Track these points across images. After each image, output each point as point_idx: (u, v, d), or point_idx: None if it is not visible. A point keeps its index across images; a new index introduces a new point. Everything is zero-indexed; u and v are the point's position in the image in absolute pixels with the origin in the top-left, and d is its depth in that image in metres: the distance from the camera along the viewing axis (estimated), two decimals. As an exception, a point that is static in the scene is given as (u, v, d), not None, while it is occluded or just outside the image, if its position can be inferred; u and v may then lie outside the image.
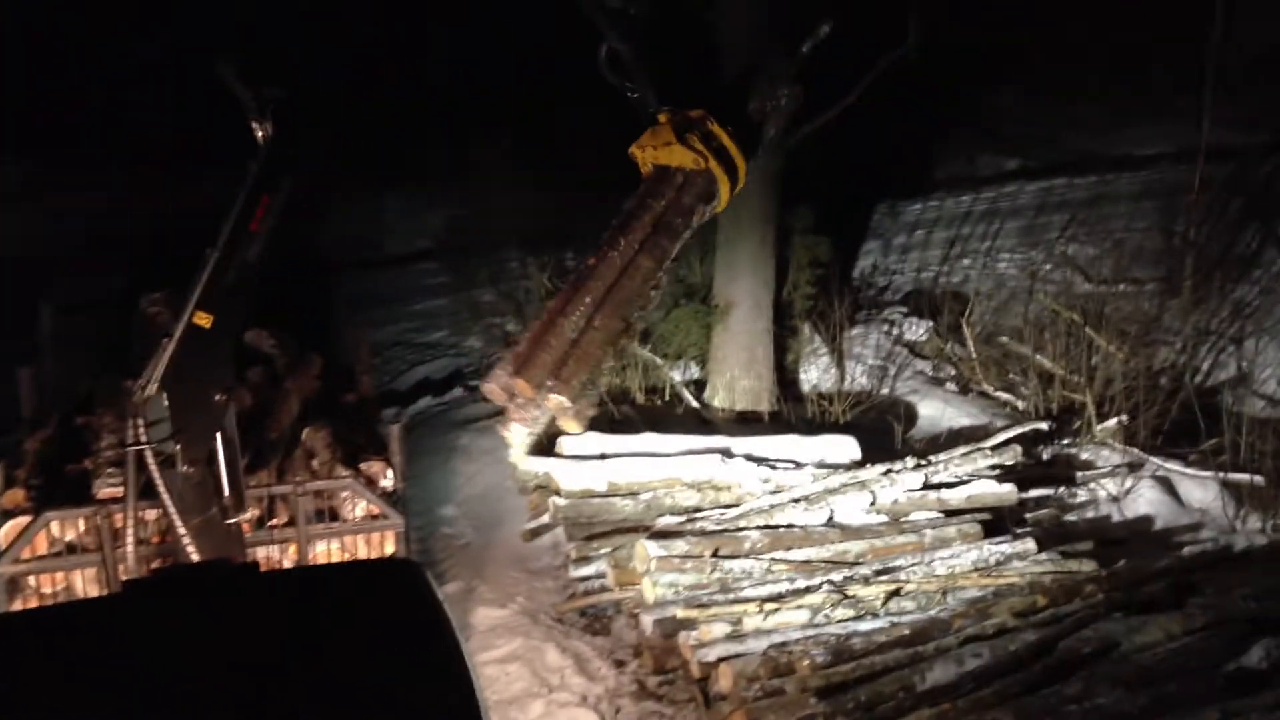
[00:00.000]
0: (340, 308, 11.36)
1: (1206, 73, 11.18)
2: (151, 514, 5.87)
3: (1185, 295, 10.98)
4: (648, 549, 6.95)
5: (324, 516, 6.68)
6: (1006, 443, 8.58)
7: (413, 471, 8.14)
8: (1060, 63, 14.67)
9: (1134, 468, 8.82)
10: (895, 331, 11.53)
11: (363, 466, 7.04)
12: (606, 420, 9.52)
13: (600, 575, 7.51)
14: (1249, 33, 13.24)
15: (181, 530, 5.40)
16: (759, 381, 9.91)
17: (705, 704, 6.39)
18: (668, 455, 8.09)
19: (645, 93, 7.21)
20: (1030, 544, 7.35)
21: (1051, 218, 13.76)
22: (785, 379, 10.51)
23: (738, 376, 9.88)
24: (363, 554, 6.71)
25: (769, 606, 6.62)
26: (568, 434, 7.81)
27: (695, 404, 10.04)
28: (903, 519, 7.76)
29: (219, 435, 5.53)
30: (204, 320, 5.33)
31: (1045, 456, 9.28)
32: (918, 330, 11.60)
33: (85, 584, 6.24)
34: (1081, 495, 8.65)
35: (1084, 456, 9.19)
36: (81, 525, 6.20)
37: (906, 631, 6.48)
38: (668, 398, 10.30)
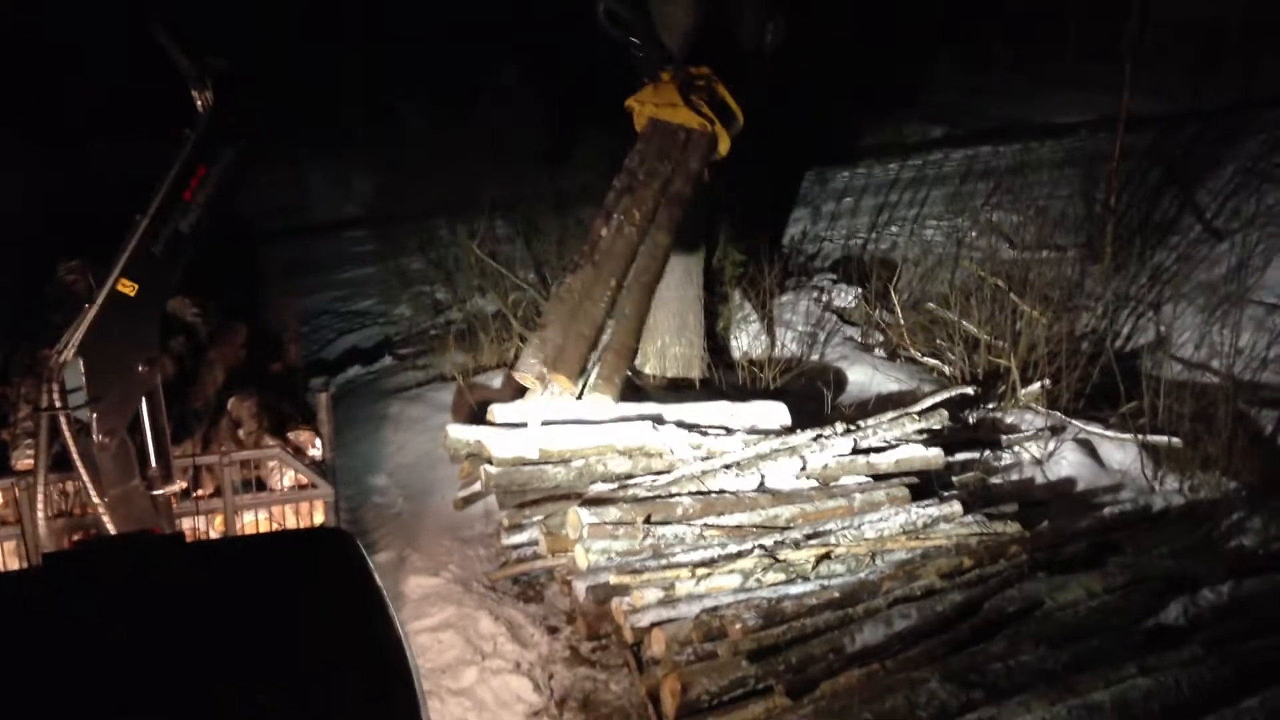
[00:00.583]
0: (266, 276, 11.19)
1: (1126, 42, 11.35)
2: (73, 485, 5.75)
3: (1106, 262, 11.19)
4: (580, 516, 6.95)
5: (251, 487, 6.58)
6: (933, 408, 8.70)
7: (342, 441, 8.06)
8: (985, 32, 14.84)
9: (1056, 431, 8.99)
10: (824, 298, 11.62)
11: (290, 436, 6.95)
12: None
13: (533, 543, 7.50)
14: (1168, 3, 13.50)
15: (96, 500, 5.29)
16: (690, 348, 9.93)
17: (638, 669, 6.43)
18: (599, 423, 8.08)
19: (650, 50, 7.05)
20: (956, 507, 7.47)
21: (977, 185, 13.95)
22: (716, 346, 10.55)
23: (669, 344, 9.88)
24: (291, 524, 6.63)
25: (701, 572, 6.67)
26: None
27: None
28: (832, 484, 7.85)
29: (145, 406, 5.41)
30: (128, 288, 5.20)
31: (971, 421, 9.43)
32: (847, 297, 11.70)
33: (5, 557, 6.10)
34: (1006, 458, 8.80)
35: (1008, 420, 9.35)
36: (0, 497, 6.06)
37: (836, 594, 6.56)
38: (599, 365, 10.29)
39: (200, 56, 5.44)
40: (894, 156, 14.99)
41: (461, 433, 7.98)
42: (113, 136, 12.02)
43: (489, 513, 8.01)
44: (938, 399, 8.93)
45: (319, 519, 6.67)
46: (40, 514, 5.51)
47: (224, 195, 5.43)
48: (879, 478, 7.96)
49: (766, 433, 8.27)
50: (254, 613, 3.25)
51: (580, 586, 6.77)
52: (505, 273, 11.38)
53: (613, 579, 6.65)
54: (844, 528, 7.22)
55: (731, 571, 6.72)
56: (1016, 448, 8.86)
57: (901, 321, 10.86)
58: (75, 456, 5.24)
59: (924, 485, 7.98)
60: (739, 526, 7.24)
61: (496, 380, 9.99)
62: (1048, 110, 15.43)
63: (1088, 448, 8.81)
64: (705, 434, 8.09)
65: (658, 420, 8.15)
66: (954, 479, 8.32)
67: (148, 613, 3.21)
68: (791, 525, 7.30)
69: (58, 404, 5.21)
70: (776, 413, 8.53)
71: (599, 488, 7.44)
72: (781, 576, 6.78)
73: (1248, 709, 5.38)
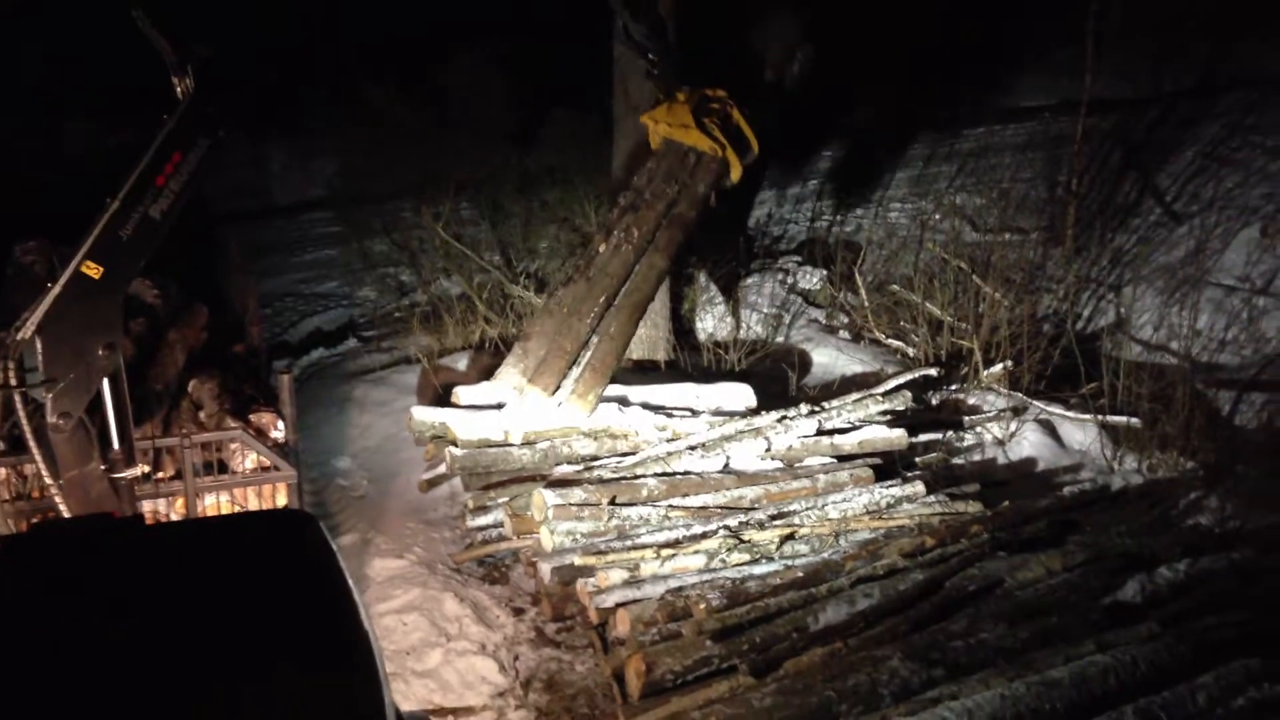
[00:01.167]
0: (228, 257, 11.08)
1: (1089, 26, 11.41)
2: (31, 468, 5.68)
3: (1068, 244, 11.28)
4: (545, 497, 6.95)
5: (213, 469, 6.53)
6: (897, 389, 8.77)
7: (306, 424, 8.01)
8: (950, 15, 14.86)
9: (1018, 411, 9.08)
10: (790, 280, 11.66)
11: (252, 418, 6.89)
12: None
13: (498, 524, 7.50)
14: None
15: (49, 482, 5.23)
16: (655, 330, 9.93)
17: (603, 649, 6.45)
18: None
19: (665, 69, 6.95)
20: (919, 487, 7.53)
21: (940, 168, 14.00)
22: (681, 328, 10.56)
23: (634, 325, 9.87)
24: (254, 507, 6.58)
25: (666, 552, 6.69)
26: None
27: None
28: (797, 464, 7.89)
29: (108, 389, 5.36)
30: (93, 270, 5.14)
31: (934, 402, 9.51)
32: (811, 279, 11.74)
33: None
34: (968, 439, 8.88)
35: (971, 401, 9.43)
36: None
37: (800, 574, 6.60)
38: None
39: (183, 43, 5.39)
40: (859, 139, 15.01)
41: (426, 415, 7.95)
42: (79, 116, 11.88)
43: (454, 495, 8.00)
44: (901, 380, 8.99)
45: (282, 501, 6.63)
46: None
47: (197, 183, 5.40)
48: (843, 458, 8.01)
49: (731, 414, 8.30)
50: (214, 595, 3.23)
51: (545, 568, 6.77)
52: (470, 254, 11.33)
53: (578, 560, 6.66)
54: (808, 508, 7.26)
55: (696, 552, 6.74)
56: (979, 428, 8.95)
57: (866, 303, 10.92)
58: (29, 437, 5.18)
59: (888, 466, 8.04)
60: (704, 507, 7.26)
61: (462, 362, 9.95)
62: (1012, 94, 15.49)
63: (1048, 428, 8.91)
64: (670, 415, 8.10)
65: (623, 402, 8.15)
66: (917, 459, 8.40)
67: (103, 596, 3.18)
68: (756, 506, 7.33)
69: (13, 382, 5.15)
70: (741, 394, 8.56)
71: (564, 469, 7.44)
72: (746, 557, 6.82)
73: (1203, 685, 5.47)
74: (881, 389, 8.75)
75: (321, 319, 11.62)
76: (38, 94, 12.02)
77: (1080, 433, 8.82)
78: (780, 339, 10.69)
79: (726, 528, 6.98)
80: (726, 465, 7.68)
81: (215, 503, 6.58)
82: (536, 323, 6.00)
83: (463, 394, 8.09)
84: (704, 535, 6.91)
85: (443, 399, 8.58)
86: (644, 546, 6.77)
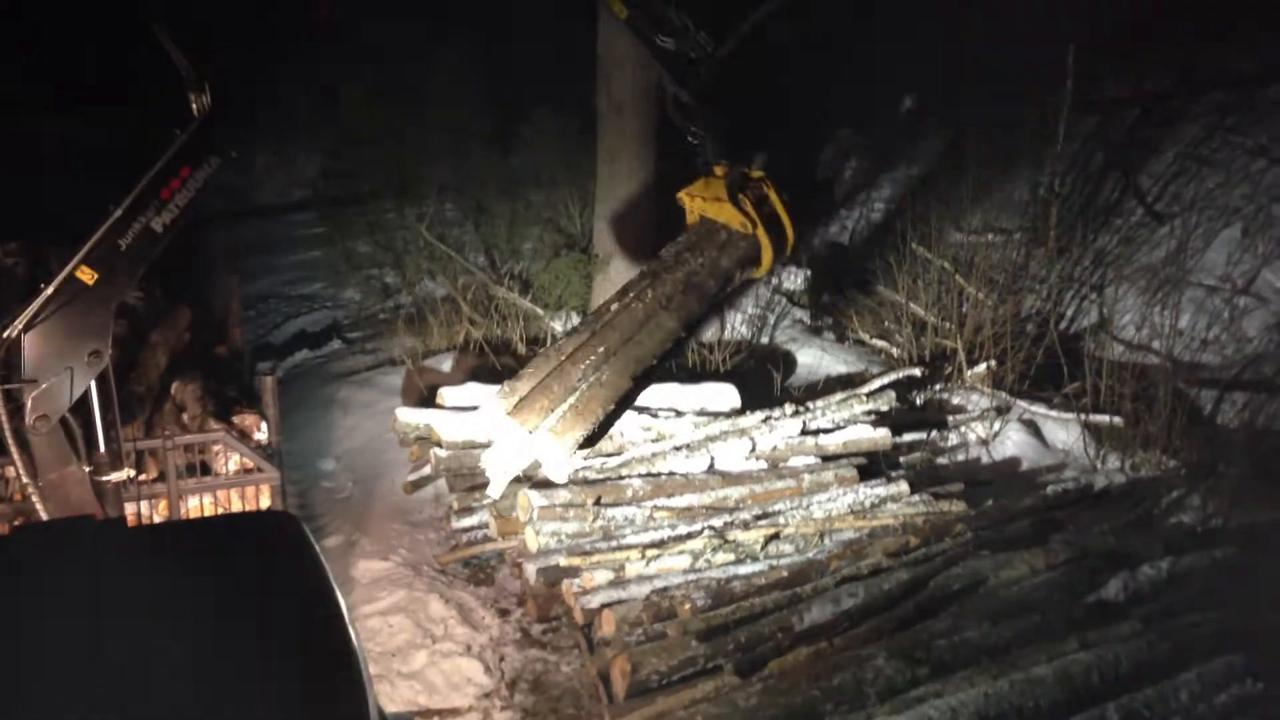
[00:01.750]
0: (211, 259, 11.02)
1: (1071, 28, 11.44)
2: (13, 471, 5.65)
3: (1050, 244, 11.30)
4: (530, 498, 6.95)
5: (196, 471, 6.51)
6: (881, 389, 8.79)
7: (290, 425, 7.99)
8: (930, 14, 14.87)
9: (1001, 411, 9.10)
10: (774, 280, 11.65)
11: (235, 420, 6.88)
12: (488, 371, 9.47)
13: (483, 526, 7.49)
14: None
15: (27, 482, 5.21)
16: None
17: (589, 650, 6.45)
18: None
19: (706, 141, 6.86)
20: (903, 486, 7.55)
21: (924, 168, 14.00)
22: (666, 328, 10.53)
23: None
24: (237, 509, 6.56)
25: (651, 553, 6.69)
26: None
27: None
28: (781, 465, 7.90)
29: (95, 391, 5.33)
30: (87, 276, 5.13)
31: (918, 402, 9.52)
32: (796, 279, 11.75)
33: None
34: (952, 438, 8.91)
35: (955, 401, 9.46)
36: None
37: (785, 574, 6.61)
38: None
39: (201, 61, 5.40)
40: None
41: (411, 416, 7.94)
42: (59, 114, 11.78)
43: (439, 496, 7.99)
44: (885, 380, 9.01)
45: (265, 503, 6.61)
46: None
47: (202, 200, 5.40)
48: (827, 458, 8.02)
49: (716, 415, 8.30)
50: (197, 597, 3.22)
51: (531, 569, 6.77)
52: (454, 256, 11.31)
53: (563, 561, 6.66)
54: (793, 508, 7.27)
55: (681, 552, 6.75)
56: (963, 428, 8.97)
57: (850, 304, 10.94)
58: (9, 438, 5.15)
59: (872, 465, 8.05)
60: (689, 508, 7.27)
61: (446, 364, 9.93)
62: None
63: (1032, 428, 8.94)
64: (655, 416, 8.10)
65: (608, 402, 8.14)
66: (901, 459, 8.41)
67: (85, 599, 3.16)
68: (741, 506, 7.34)
69: None
70: (726, 395, 8.56)
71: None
72: (731, 557, 6.82)
73: (1185, 682, 5.51)
74: (866, 389, 8.77)
75: (305, 320, 11.58)
76: (14, 93, 11.93)
77: (1063, 432, 8.85)
78: (765, 339, 10.70)
79: (711, 528, 6.98)
80: (711, 465, 7.68)
81: (199, 505, 6.55)
82: (532, 365, 5.98)
83: (448, 395, 8.08)
84: (689, 536, 6.91)
85: (428, 400, 8.56)
86: (629, 547, 6.77)
